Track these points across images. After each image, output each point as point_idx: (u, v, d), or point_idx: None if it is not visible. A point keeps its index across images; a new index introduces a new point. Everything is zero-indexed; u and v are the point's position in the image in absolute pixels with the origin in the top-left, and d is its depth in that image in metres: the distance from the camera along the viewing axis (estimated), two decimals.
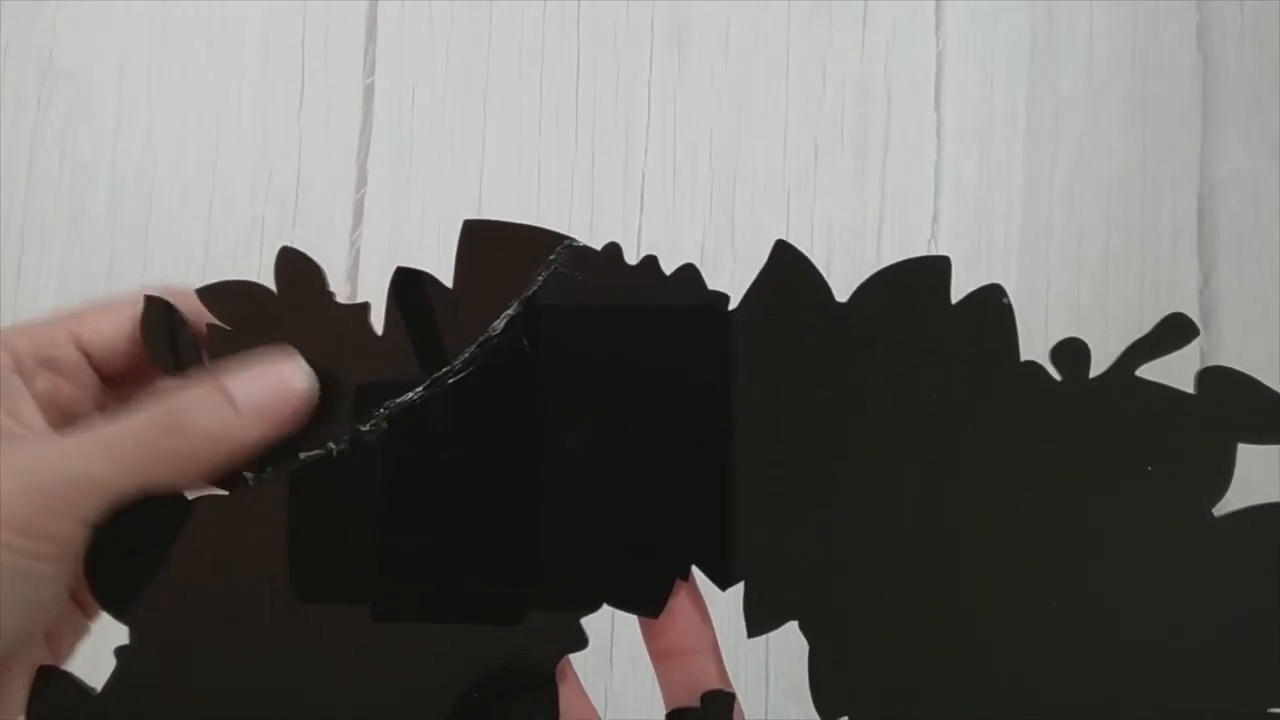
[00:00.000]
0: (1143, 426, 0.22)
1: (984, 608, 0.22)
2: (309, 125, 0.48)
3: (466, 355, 0.22)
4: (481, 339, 0.22)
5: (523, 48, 0.48)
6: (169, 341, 0.23)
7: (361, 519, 0.23)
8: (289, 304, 0.23)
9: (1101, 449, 0.22)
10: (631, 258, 0.23)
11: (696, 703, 0.23)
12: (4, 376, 0.22)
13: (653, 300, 0.23)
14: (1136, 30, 0.47)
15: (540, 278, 0.22)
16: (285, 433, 0.22)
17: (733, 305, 0.23)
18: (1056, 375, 0.22)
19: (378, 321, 0.23)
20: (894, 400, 0.22)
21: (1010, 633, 0.22)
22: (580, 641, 0.23)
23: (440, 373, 0.22)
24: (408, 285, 0.23)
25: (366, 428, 0.22)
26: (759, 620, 0.22)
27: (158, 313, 0.23)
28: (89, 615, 0.25)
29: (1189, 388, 0.22)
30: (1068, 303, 0.45)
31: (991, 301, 0.22)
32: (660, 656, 0.23)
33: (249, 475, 0.22)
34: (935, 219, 0.46)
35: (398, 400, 0.22)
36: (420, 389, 0.22)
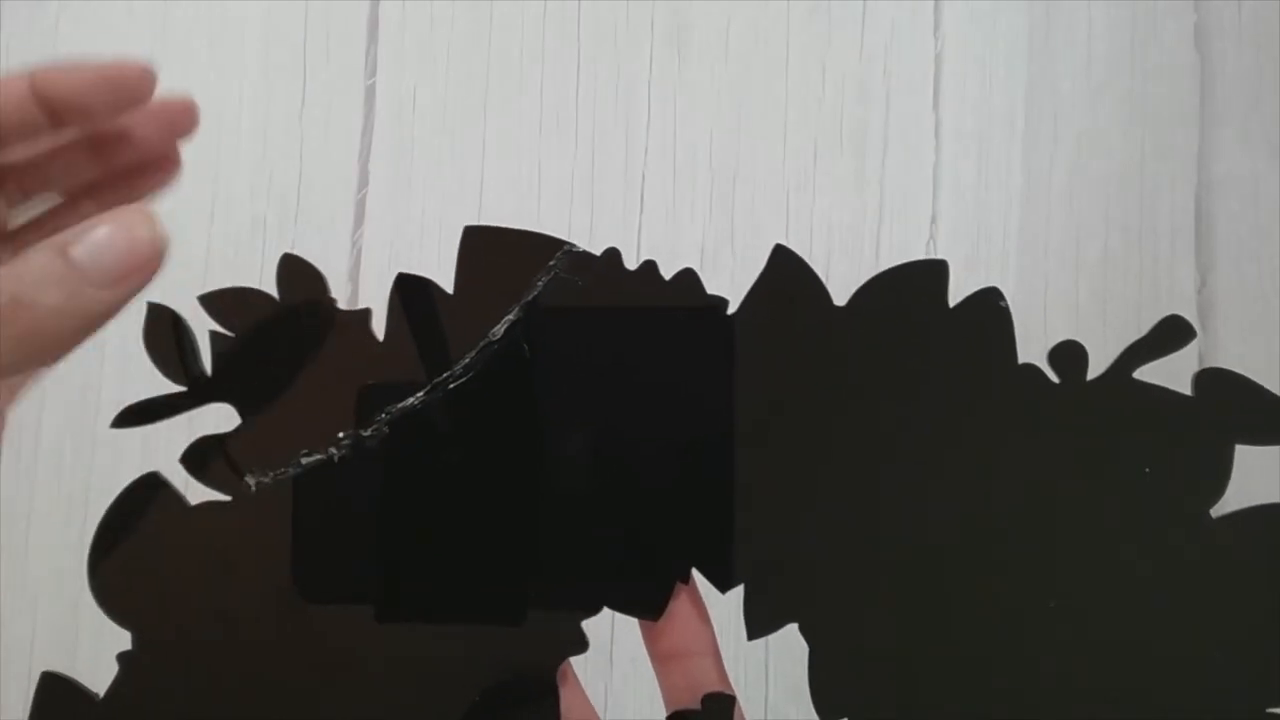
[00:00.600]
0: (1141, 428, 0.22)
1: (982, 609, 0.22)
2: (310, 125, 0.48)
3: (467, 360, 0.22)
4: (482, 344, 0.22)
5: (523, 48, 0.48)
6: (173, 349, 0.23)
7: (363, 523, 0.23)
8: (291, 310, 0.23)
9: (1100, 451, 0.22)
10: (631, 258, 0.23)
11: (697, 705, 0.23)
12: None
13: (652, 305, 0.23)
14: (1135, 31, 0.47)
15: (540, 283, 0.23)
16: (137, 293, 0.20)
17: (732, 309, 0.23)
18: (1054, 377, 0.22)
19: (379, 327, 0.23)
20: (892, 403, 0.22)
21: (1008, 634, 0.22)
22: (581, 644, 0.23)
23: (441, 377, 0.22)
24: (409, 291, 0.23)
25: (368, 432, 0.22)
26: (759, 622, 0.22)
27: (161, 320, 0.23)
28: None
29: (1186, 388, 0.22)
30: (1066, 303, 0.46)
31: (989, 304, 0.22)
32: (661, 659, 0.23)
33: (250, 480, 0.22)
34: (934, 219, 0.47)
35: (399, 405, 0.22)
36: (421, 394, 0.22)
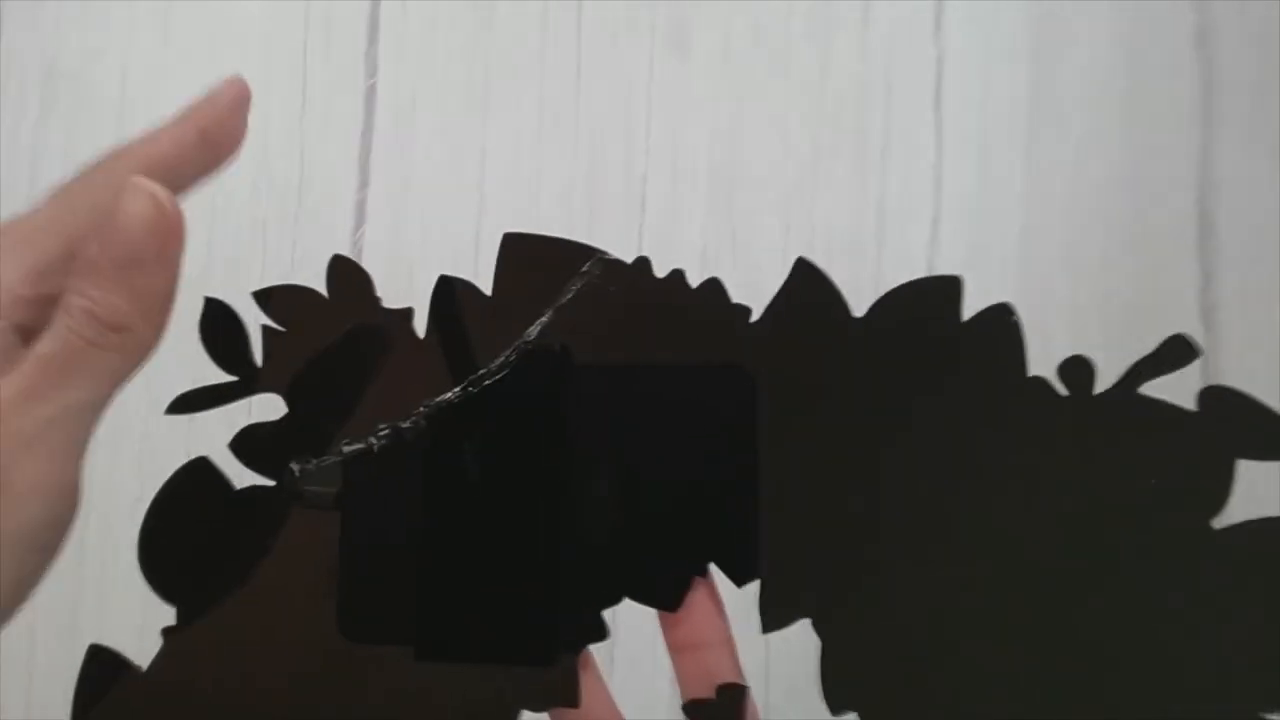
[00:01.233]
0: (1146, 441, 0.23)
1: (991, 614, 0.23)
2: (310, 125, 0.48)
3: (502, 360, 0.24)
4: (517, 344, 0.24)
5: (523, 48, 0.48)
6: (225, 340, 0.25)
7: (396, 511, 0.24)
8: (339, 307, 0.25)
9: (1106, 462, 0.23)
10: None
11: (711, 694, 0.24)
12: None
13: (680, 311, 0.24)
14: (1136, 32, 0.47)
15: (574, 288, 0.24)
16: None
17: (754, 317, 0.24)
18: (1063, 390, 0.23)
19: (419, 325, 0.25)
20: (908, 411, 0.23)
21: (1015, 639, 0.23)
22: (601, 633, 0.24)
23: (477, 374, 0.24)
24: (447, 293, 0.25)
25: (406, 424, 0.24)
26: (773, 617, 0.23)
27: (215, 313, 0.25)
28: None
29: (1189, 397, 0.23)
30: (1066, 304, 0.46)
31: (1000, 319, 0.23)
32: (678, 649, 0.24)
33: (295, 466, 0.24)
34: (935, 220, 0.47)
35: (436, 399, 0.24)
36: (458, 389, 0.24)
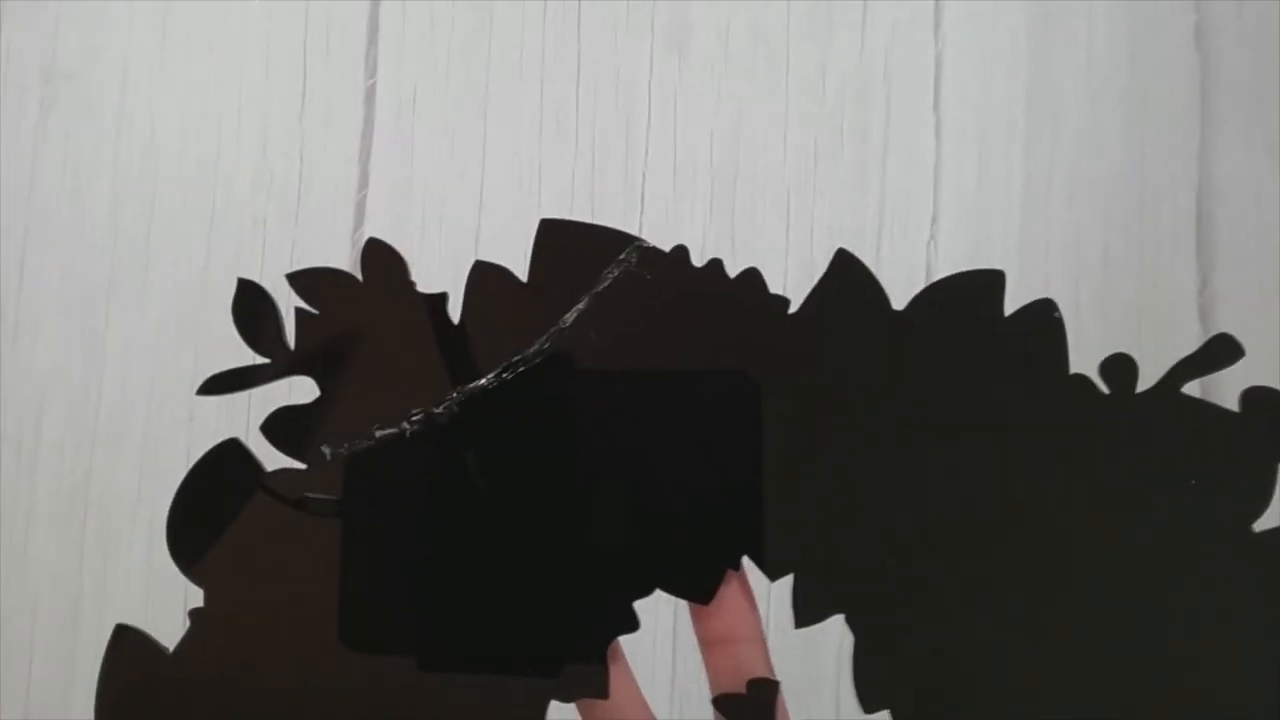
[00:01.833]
0: (1187, 441, 0.22)
1: (1029, 613, 0.23)
2: (310, 126, 0.48)
3: (537, 347, 0.24)
4: (553, 331, 0.24)
5: (523, 48, 0.48)
6: (258, 322, 0.24)
7: (426, 497, 0.24)
8: (373, 291, 0.24)
9: (1146, 461, 0.23)
10: None
11: (742, 689, 0.23)
12: None
13: (718, 300, 0.24)
14: (1135, 31, 0.47)
15: (611, 275, 0.24)
16: None
17: (792, 309, 0.24)
18: (1104, 389, 0.23)
19: (454, 311, 0.25)
20: (948, 405, 0.23)
21: (1054, 639, 0.23)
22: (632, 623, 0.24)
23: (512, 361, 0.24)
24: (483, 278, 0.24)
25: (439, 409, 0.24)
26: (807, 612, 0.23)
27: (249, 295, 0.25)
28: None
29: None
30: (1067, 303, 0.45)
31: (1044, 315, 0.23)
32: (709, 643, 0.24)
33: (326, 450, 0.24)
34: (935, 219, 0.47)
35: (470, 385, 0.24)
36: (492, 375, 0.24)
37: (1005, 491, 0.23)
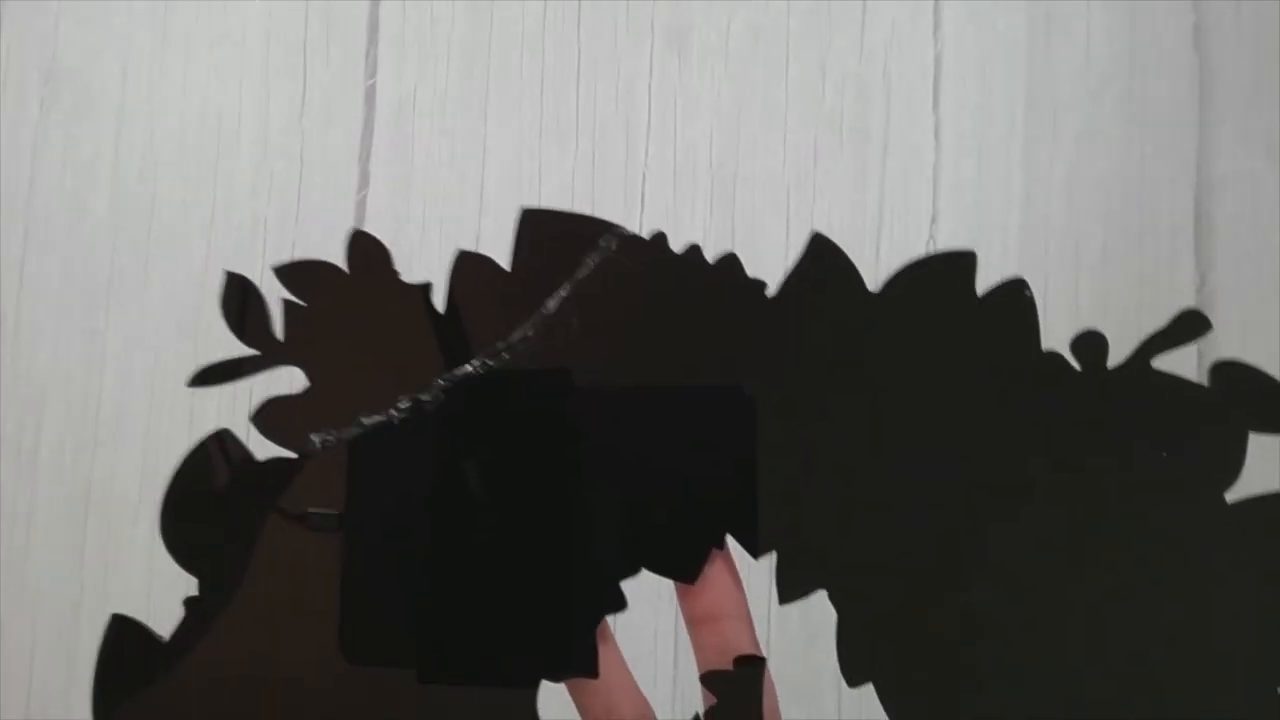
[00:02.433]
0: (1159, 414, 0.23)
1: (1006, 586, 0.23)
2: (310, 126, 0.48)
3: (520, 333, 0.24)
4: (535, 317, 0.24)
5: (523, 48, 0.48)
6: (246, 315, 0.25)
7: (415, 483, 0.25)
8: (358, 281, 0.25)
9: (1119, 435, 0.23)
10: None
11: (729, 666, 0.24)
12: None
13: (698, 285, 0.24)
14: (1134, 30, 0.47)
15: (591, 262, 0.24)
16: None
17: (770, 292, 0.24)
18: (1077, 365, 0.23)
19: (439, 300, 0.25)
20: (922, 384, 0.24)
21: (1032, 610, 0.23)
22: (619, 603, 0.24)
23: (496, 347, 0.24)
24: (466, 267, 0.25)
25: (427, 396, 0.24)
26: (790, 588, 0.24)
27: (236, 287, 0.25)
28: None
29: (1190, 371, 0.23)
30: (1066, 302, 0.46)
31: (1015, 294, 0.24)
32: (695, 621, 0.24)
33: (315, 438, 0.24)
34: (934, 219, 0.47)
35: (455, 371, 0.24)
36: (477, 361, 0.24)
37: (981, 467, 0.23)
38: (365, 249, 0.25)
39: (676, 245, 0.24)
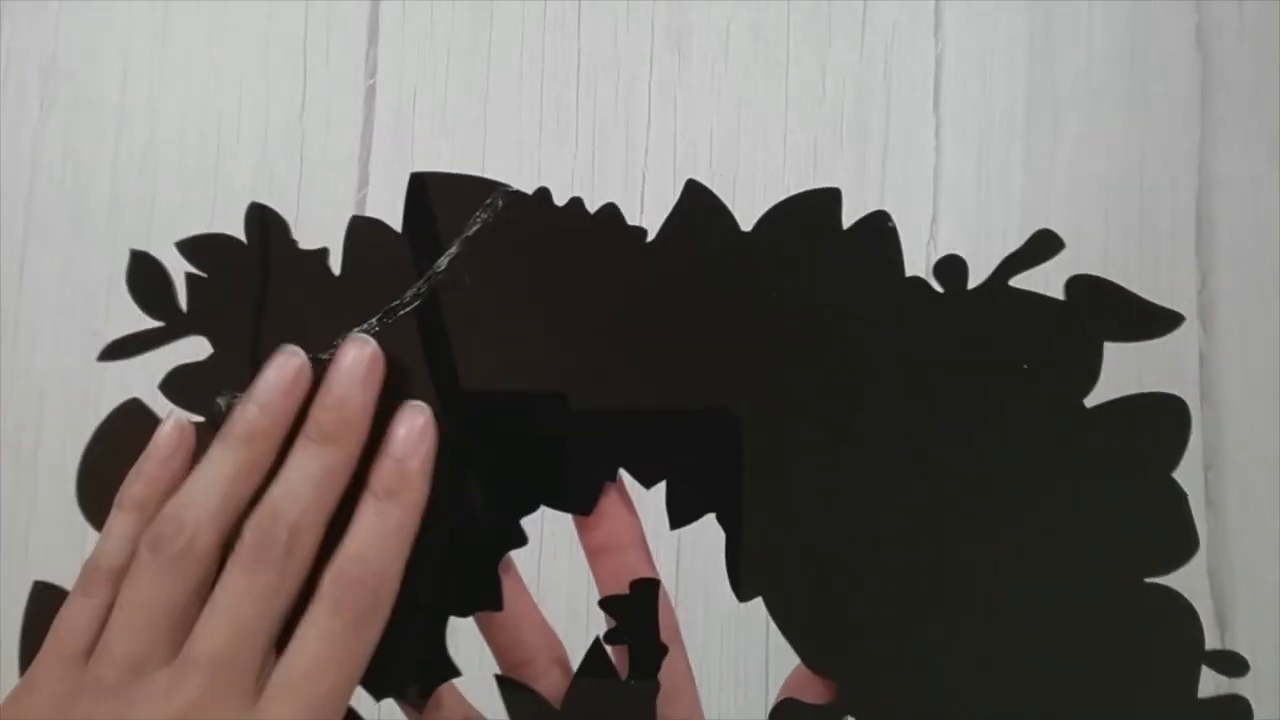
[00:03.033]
0: (1019, 329, 0.24)
1: (884, 495, 0.24)
2: (310, 126, 0.48)
3: (414, 291, 0.25)
4: (427, 276, 0.25)
5: (523, 48, 0.48)
6: (151, 289, 0.26)
7: None
8: (257, 251, 0.26)
9: (982, 350, 0.24)
10: None
11: (626, 591, 0.25)
12: None
13: (581, 235, 0.25)
14: (1135, 31, 0.47)
15: (479, 220, 0.25)
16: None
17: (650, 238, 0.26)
18: (939, 288, 0.25)
19: (335, 264, 0.26)
20: (796, 314, 0.25)
21: (908, 516, 0.24)
22: (520, 539, 0.25)
23: (391, 306, 0.25)
24: (360, 231, 0.26)
25: (326, 355, 0.24)
26: (679, 513, 0.25)
27: (141, 265, 0.26)
28: None
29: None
30: None
31: (878, 225, 0.25)
32: (593, 552, 0.26)
33: (221, 401, 0.25)
34: (934, 219, 0.47)
35: (352, 331, 0.25)
36: (374, 320, 0.25)
37: (850, 386, 0.25)
38: (263, 220, 0.26)
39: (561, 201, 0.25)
